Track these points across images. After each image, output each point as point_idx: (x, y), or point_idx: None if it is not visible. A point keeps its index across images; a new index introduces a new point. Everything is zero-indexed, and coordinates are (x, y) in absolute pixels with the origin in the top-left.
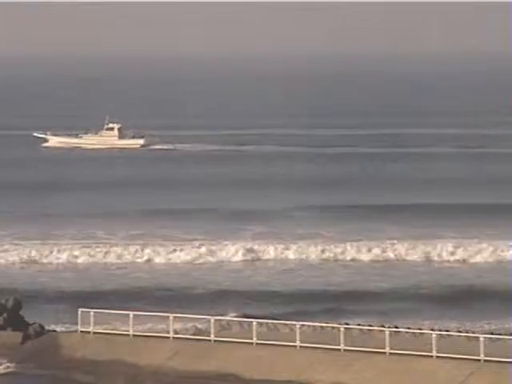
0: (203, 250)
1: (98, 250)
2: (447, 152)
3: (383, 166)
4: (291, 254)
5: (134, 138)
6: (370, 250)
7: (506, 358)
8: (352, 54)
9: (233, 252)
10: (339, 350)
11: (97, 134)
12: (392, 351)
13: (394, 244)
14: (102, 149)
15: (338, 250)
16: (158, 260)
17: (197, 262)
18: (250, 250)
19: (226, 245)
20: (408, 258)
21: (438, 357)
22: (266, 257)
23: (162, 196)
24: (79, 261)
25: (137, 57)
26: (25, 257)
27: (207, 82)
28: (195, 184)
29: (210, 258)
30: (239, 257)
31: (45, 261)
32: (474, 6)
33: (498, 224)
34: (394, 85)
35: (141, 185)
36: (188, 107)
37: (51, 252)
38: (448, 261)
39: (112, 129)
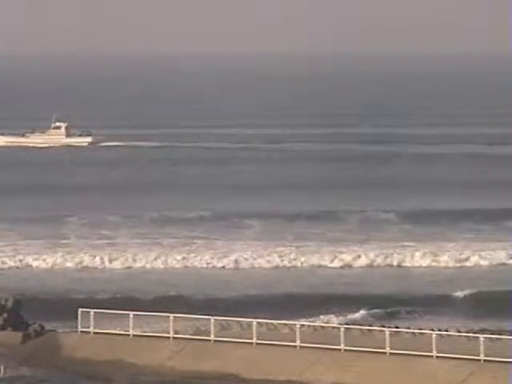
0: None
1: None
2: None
3: (381, 167)
4: None
5: (81, 136)
6: None
7: (506, 357)
8: (352, 53)
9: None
10: (339, 349)
11: (44, 132)
12: (392, 351)
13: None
14: (49, 147)
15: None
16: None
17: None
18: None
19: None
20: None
21: (437, 357)
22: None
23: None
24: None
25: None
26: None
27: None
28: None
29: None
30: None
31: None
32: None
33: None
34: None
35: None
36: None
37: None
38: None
39: (59, 127)
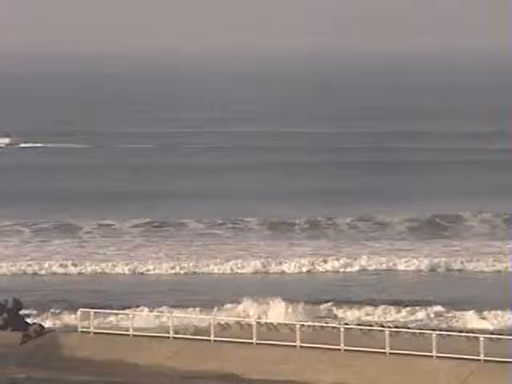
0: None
1: None
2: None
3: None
4: None
5: None
6: None
7: (506, 357)
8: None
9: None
10: (339, 349)
11: None
12: (392, 351)
13: None
14: None
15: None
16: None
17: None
18: None
19: None
20: None
21: (437, 357)
22: None
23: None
24: None
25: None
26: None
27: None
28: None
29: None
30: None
31: None
32: None
33: None
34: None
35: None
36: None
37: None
38: None
39: None
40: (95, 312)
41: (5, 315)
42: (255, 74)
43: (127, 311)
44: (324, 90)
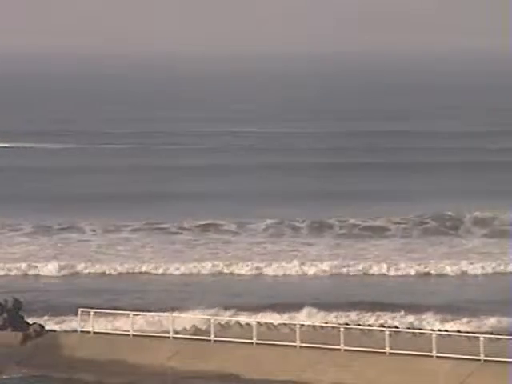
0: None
1: None
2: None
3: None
4: None
5: None
6: None
7: (506, 357)
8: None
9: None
10: (339, 350)
11: None
12: (392, 351)
13: None
14: None
15: None
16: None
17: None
18: None
19: None
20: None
21: (438, 357)
22: None
23: None
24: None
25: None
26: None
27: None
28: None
29: None
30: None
31: None
32: None
33: None
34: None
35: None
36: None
37: None
38: None
39: None
40: (95, 312)
41: (5, 315)
42: (255, 74)
43: (127, 311)
44: (324, 90)
